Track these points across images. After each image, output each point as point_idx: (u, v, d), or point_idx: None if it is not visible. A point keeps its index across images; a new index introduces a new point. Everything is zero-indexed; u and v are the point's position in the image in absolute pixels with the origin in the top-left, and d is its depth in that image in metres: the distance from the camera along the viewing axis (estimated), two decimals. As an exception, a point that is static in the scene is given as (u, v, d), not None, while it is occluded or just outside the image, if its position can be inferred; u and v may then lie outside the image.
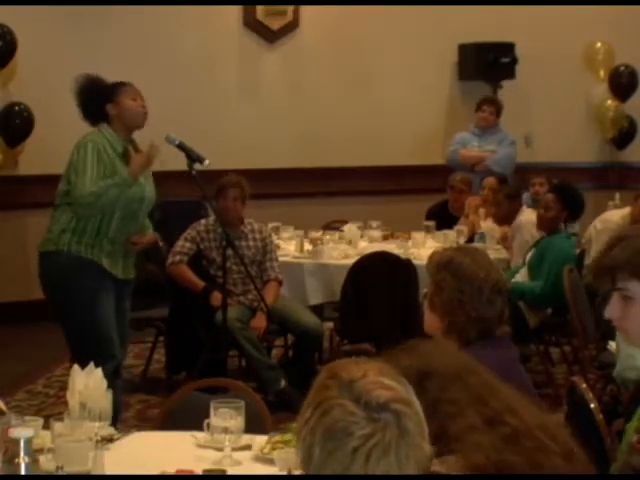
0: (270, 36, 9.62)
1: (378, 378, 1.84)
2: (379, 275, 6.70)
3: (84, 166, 5.13)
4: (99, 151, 5.17)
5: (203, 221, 6.73)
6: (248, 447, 3.37)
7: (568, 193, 6.76)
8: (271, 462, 3.23)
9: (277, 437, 3.33)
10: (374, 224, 8.09)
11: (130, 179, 5.21)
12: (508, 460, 2.12)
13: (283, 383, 6.41)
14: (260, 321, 6.47)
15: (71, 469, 3.03)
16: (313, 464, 1.81)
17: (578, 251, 7.25)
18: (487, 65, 9.96)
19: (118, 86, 5.34)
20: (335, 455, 1.79)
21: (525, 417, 2.21)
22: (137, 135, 5.43)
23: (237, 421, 3.35)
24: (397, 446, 1.79)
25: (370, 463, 1.78)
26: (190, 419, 3.54)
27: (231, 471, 3.20)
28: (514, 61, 10.00)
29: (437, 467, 2.12)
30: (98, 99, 5.28)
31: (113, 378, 5.15)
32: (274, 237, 7.17)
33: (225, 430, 3.33)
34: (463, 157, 8.87)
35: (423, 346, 2.28)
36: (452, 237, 7.56)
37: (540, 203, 6.95)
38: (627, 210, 7.49)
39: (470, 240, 7.54)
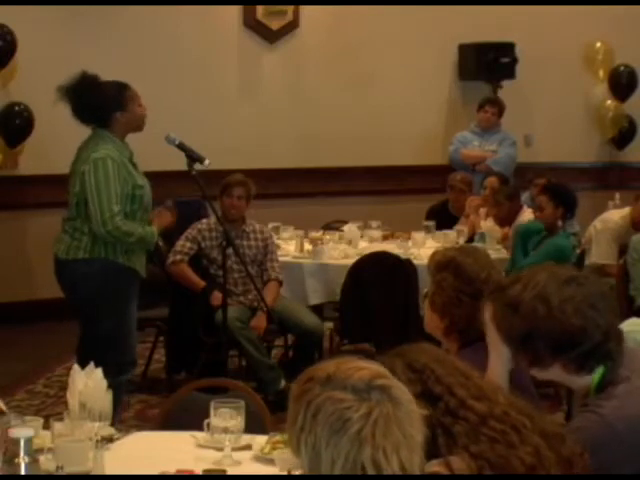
0: (270, 36, 9.61)
1: (351, 364, 1.89)
2: (379, 275, 6.70)
3: (106, 187, 5.12)
4: (119, 166, 5.18)
5: (204, 220, 6.74)
6: (248, 447, 3.37)
7: (558, 190, 6.78)
8: (271, 462, 3.23)
9: (277, 437, 3.33)
10: (374, 224, 8.08)
11: (154, 236, 5.32)
12: (482, 453, 2.14)
13: (283, 383, 6.41)
14: (260, 321, 6.47)
15: (71, 469, 3.03)
16: (324, 462, 1.82)
17: (578, 251, 7.25)
18: (487, 65, 9.95)
19: (124, 92, 5.31)
20: (342, 444, 1.81)
21: (497, 401, 2.22)
22: (137, 135, 5.43)
23: (237, 421, 3.35)
24: (396, 417, 1.83)
25: (377, 440, 1.81)
26: (190, 419, 3.54)
27: (231, 471, 3.19)
28: (514, 61, 10.00)
29: (437, 467, 2.12)
30: (110, 106, 5.24)
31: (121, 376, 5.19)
32: (274, 237, 7.18)
33: (225, 430, 3.33)
34: (464, 156, 8.88)
35: (396, 350, 2.31)
36: (452, 237, 7.55)
37: (534, 205, 6.99)
38: (627, 210, 7.49)
39: (470, 240, 7.53)
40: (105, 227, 5.12)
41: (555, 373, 2.61)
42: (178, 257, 6.65)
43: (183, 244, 6.67)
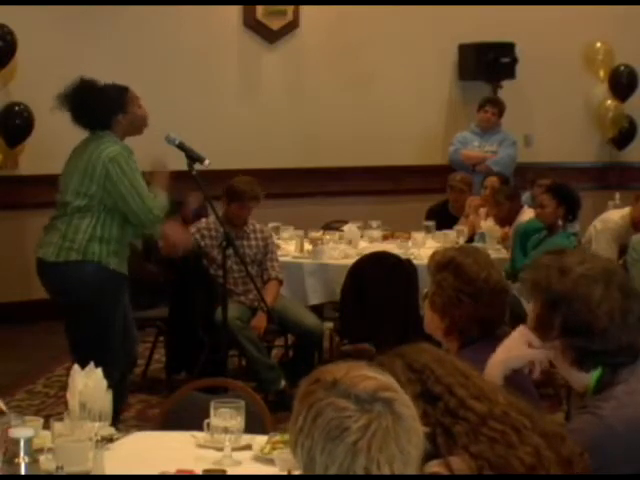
0: (270, 36, 9.62)
1: (360, 372, 1.88)
2: (379, 275, 6.70)
3: (135, 180, 5.17)
4: (134, 160, 5.22)
5: (204, 220, 6.74)
6: (248, 447, 3.37)
7: (562, 191, 6.79)
8: (271, 462, 3.23)
9: (277, 437, 3.34)
10: (374, 224, 8.08)
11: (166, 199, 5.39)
12: (482, 453, 2.14)
13: (283, 383, 6.41)
14: (260, 321, 6.47)
15: (71, 469, 3.03)
16: (317, 467, 1.82)
17: (578, 251, 7.25)
18: (487, 65, 9.96)
19: (124, 94, 5.31)
20: (337, 453, 1.80)
21: (497, 401, 2.22)
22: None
23: (237, 421, 3.35)
24: (395, 432, 1.82)
25: (372, 452, 1.80)
26: (190, 419, 3.54)
27: (231, 471, 3.19)
28: (514, 61, 10.00)
29: (437, 468, 2.12)
30: (111, 109, 5.25)
31: (123, 378, 5.20)
32: (274, 237, 7.18)
33: (225, 430, 3.33)
34: (464, 157, 8.88)
35: (396, 350, 2.30)
36: (452, 237, 7.55)
37: (536, 203, 6.99)
38: (627, 210, 7.50)
39: (470, 240, 7.53)
40: (152, 212, 5.21)
41: (554, 346, 2.60)
42: None
43: None
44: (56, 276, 5.27)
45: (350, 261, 6.87)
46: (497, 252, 7.16)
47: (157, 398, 6.57)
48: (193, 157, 5.30)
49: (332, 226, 8.28)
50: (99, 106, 5.22)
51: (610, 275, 2.59)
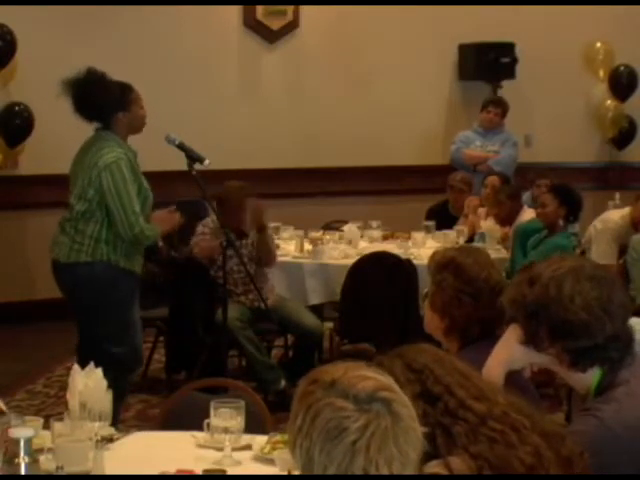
0: (270, 36, 9.62)
1: (358, 372, 1.88)
2: (379, 275, 6.70)
3: (123, 192, 5.14)
4: (131, 165, 5.21)
5: (203, 221, 6.73)
6: (248, 447, 3.38)
7: (565, 191, 6.80)
8: (271, 462, 3.23)
9: (277, 437, 3.33)
10: (374, 224, 8.08)
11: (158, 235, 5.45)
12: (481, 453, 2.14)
13: (283, 383, 6.41)
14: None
15: (71, 469, 3.03)
16: (316, 467, 1.82)
17: (578, 251, 7.26)
18: (487, 65, 9.96)
19: (128, 93, 5.31)
20: (335, 453, 1.80)
21: (496, 401, 2.22)
22: (137, 134, 5.43)
23: (237, 421, 3.35)
24: (393, 432, 1.82)
25: (371, 452, 1.80)
26: (190, 419, 3.54)
27: (231, 471, 3.20)
28: (514, 61, 10.01)
29: (437, 468, 2.12)
30: (113, 106, 5.24)
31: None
32: (274, 237, 7.17)
33: (225, 430, 3.33)
34: (466, 156, 8.88)
35: (396, 351, 2.30)
36: (452, 237, 7.55)
37: (538, 203, 7.00)
38: (627, 210, 7.49)
39: (470, 240, 7.53)
40: (132, 230, 5.15)
41: (549, 357, 2.60)
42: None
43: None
44: (67, 276, 5.31)
45: (350, 261, 6.87)
46: (497, 252, 7.16)
47: (157, 398, 6.57)
48: (193, 157, 5.30)
49: (332, 226, 8.28)
50: (102, 101, 5.22)
51: (578, 270, 2.59)
